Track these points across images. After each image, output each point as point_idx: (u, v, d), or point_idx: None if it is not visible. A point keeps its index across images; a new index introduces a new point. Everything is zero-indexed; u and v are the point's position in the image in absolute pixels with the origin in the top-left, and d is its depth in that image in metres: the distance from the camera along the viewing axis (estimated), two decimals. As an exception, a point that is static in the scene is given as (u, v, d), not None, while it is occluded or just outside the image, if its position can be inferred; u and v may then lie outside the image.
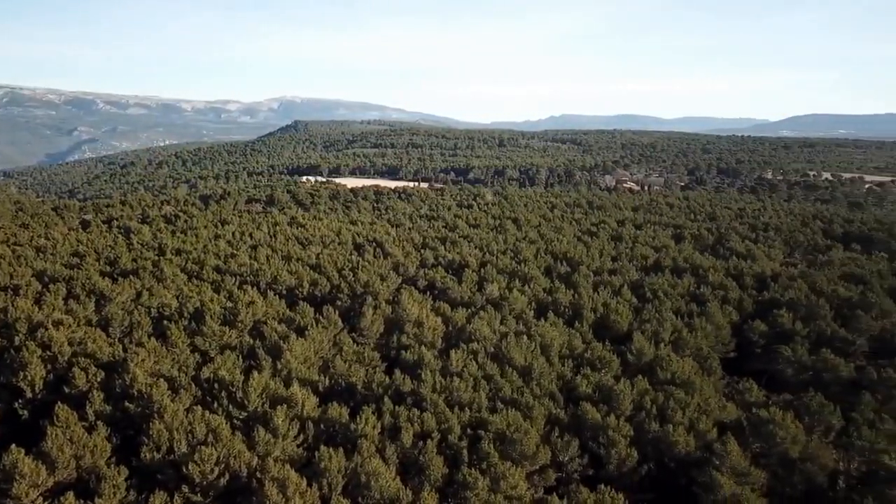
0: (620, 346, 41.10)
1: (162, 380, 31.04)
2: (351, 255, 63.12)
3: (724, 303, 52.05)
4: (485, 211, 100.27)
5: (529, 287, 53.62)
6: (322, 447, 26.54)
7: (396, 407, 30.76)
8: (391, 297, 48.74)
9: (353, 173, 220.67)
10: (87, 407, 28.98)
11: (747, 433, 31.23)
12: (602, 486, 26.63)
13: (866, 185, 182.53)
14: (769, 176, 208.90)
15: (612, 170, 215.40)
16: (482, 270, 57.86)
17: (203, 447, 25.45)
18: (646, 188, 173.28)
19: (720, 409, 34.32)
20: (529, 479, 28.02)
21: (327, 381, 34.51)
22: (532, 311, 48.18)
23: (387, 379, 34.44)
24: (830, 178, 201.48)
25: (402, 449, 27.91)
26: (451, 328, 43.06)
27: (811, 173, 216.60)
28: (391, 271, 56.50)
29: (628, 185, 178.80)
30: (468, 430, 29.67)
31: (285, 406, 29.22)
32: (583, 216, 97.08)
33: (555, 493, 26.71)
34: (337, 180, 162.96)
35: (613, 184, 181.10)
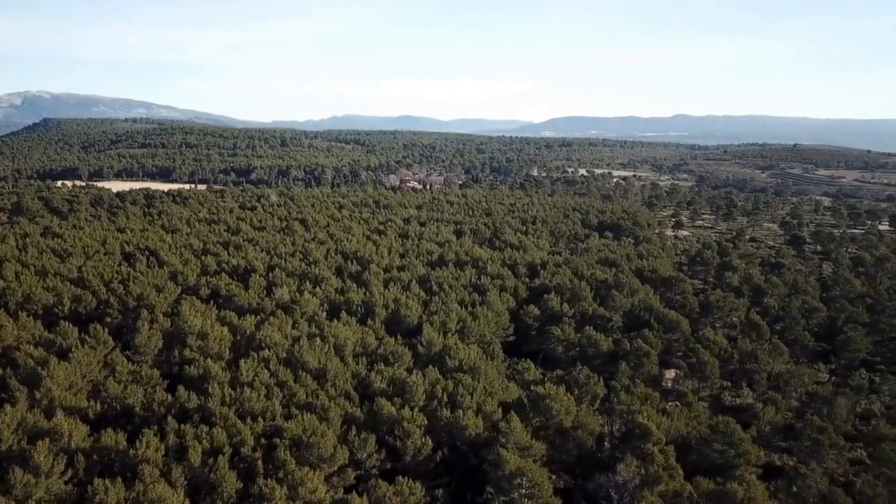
0: (412, 339, 42.46)
1: None
2: (120, 265, 57.47)
3: (502, 291, 56.19)
4: (270, 213, 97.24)
5: (321, 288, 53.18)
6: (96, 480, 23.96)
7: (182, 425, 28.71)
8: (170, 309, 45.33)
9: (118, 176, 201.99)
10: None
11: (528, 409, 34.05)
12: (400, 477, 27.38)
13: (614, 180, 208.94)
14: (535, 173, 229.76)
15: (396, 169, 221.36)
16: (270, 274, 56.18)
17: (-60, 501, 21.62)
18: (428, 187, 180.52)
19: (503, 390, 37.06)
20: (328, 482, 27.89)
21: (99, 407, 31.18)
22: (325, 313, 47.91)
23: (169, 397, 32.04)
24: (585, 173, 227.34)
25: (191, 469, 26.15)
26: (239, 337, 41.20)
27: (570, 170, 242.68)
28: (168, 281, 52.52)
29: (411, 184, 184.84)
30: (262, 441, 28.68)
31: (48, 440, 25.83)
32: (370, 215, 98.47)
33: (354, 492, 26.87)
34: (100, 184, 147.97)
35: (398, 183, 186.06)
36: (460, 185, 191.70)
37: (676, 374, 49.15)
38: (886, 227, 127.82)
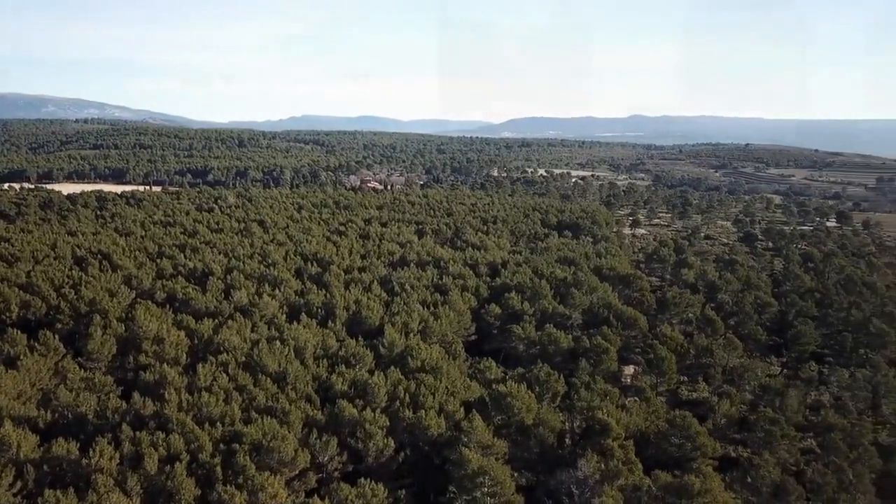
0: (373, 341, 42.27)
1: None
2: (71, 270, 55.89)
3: (464, 290, 56.34)
4: (228, 214, 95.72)
5: (280, 290, 52.55)
6: (47, 491, 23.29)
7: (137, 433, 28.08)
8: (124, 314, 44.24)
9: (69, 178, 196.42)
10: None
11: (490, 408, 34.26)
12: (362, 479, 27.23)
13: (573, 180, 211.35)
14: (495, 173, 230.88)
15: (356, 170, 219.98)
16: (228, 277, 55.28)
17: None
18: (389, 187, 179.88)
19: (465, 390, 37.17)
20: (289, 486, 27.60)
21: (49, 416, 30.30)
22: (284, 315, 47.34)
23: (124, 404, 31.34)
24: (545, 173, 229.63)
25: (147, 477, 25.58)
26: (196, 341, 40.46)
27: (529, 170, 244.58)
28: (122, 285, 51.24)
29: (372, 185, 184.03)
30: (221, 446, 28.23)
31: (-6, 452, 25.00)
32: (331, 216, 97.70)
33: (316, 495, 26.62)
34: (49, 186, 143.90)
35: (358, 183, 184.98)
36: (421, 185, 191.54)
37: (635, 370, 49.96)
38: (833, 224, 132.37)
